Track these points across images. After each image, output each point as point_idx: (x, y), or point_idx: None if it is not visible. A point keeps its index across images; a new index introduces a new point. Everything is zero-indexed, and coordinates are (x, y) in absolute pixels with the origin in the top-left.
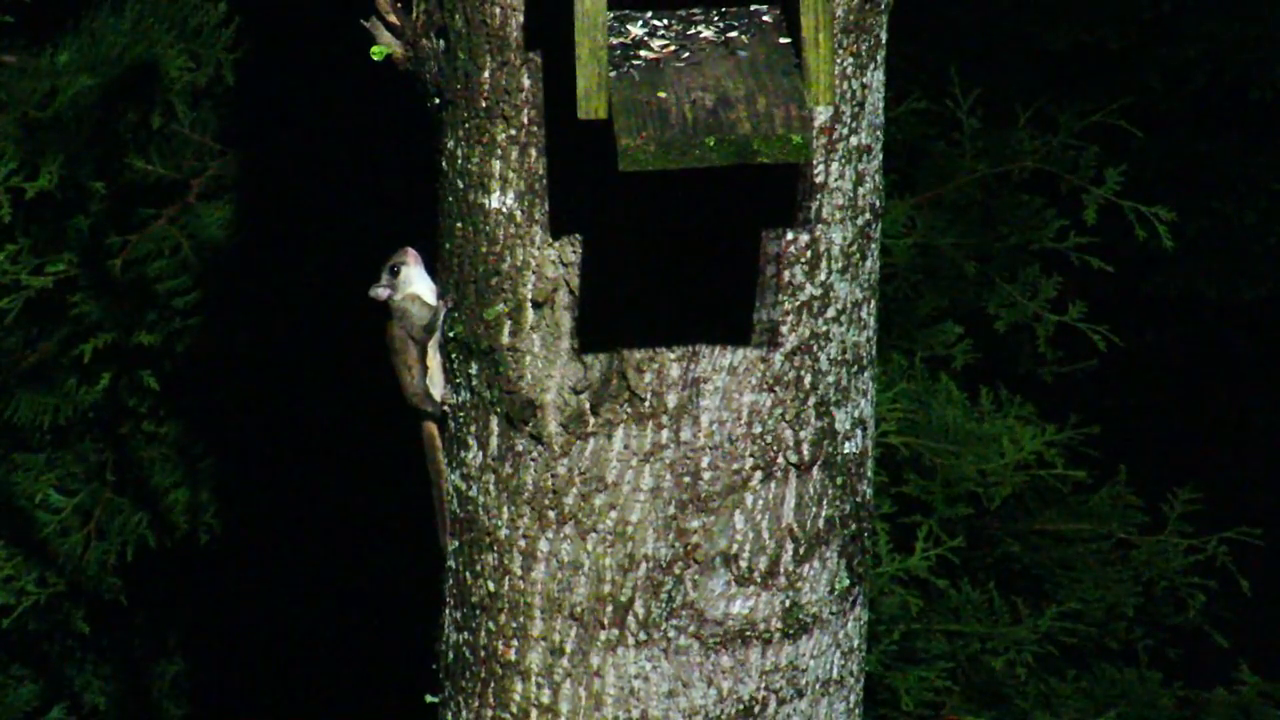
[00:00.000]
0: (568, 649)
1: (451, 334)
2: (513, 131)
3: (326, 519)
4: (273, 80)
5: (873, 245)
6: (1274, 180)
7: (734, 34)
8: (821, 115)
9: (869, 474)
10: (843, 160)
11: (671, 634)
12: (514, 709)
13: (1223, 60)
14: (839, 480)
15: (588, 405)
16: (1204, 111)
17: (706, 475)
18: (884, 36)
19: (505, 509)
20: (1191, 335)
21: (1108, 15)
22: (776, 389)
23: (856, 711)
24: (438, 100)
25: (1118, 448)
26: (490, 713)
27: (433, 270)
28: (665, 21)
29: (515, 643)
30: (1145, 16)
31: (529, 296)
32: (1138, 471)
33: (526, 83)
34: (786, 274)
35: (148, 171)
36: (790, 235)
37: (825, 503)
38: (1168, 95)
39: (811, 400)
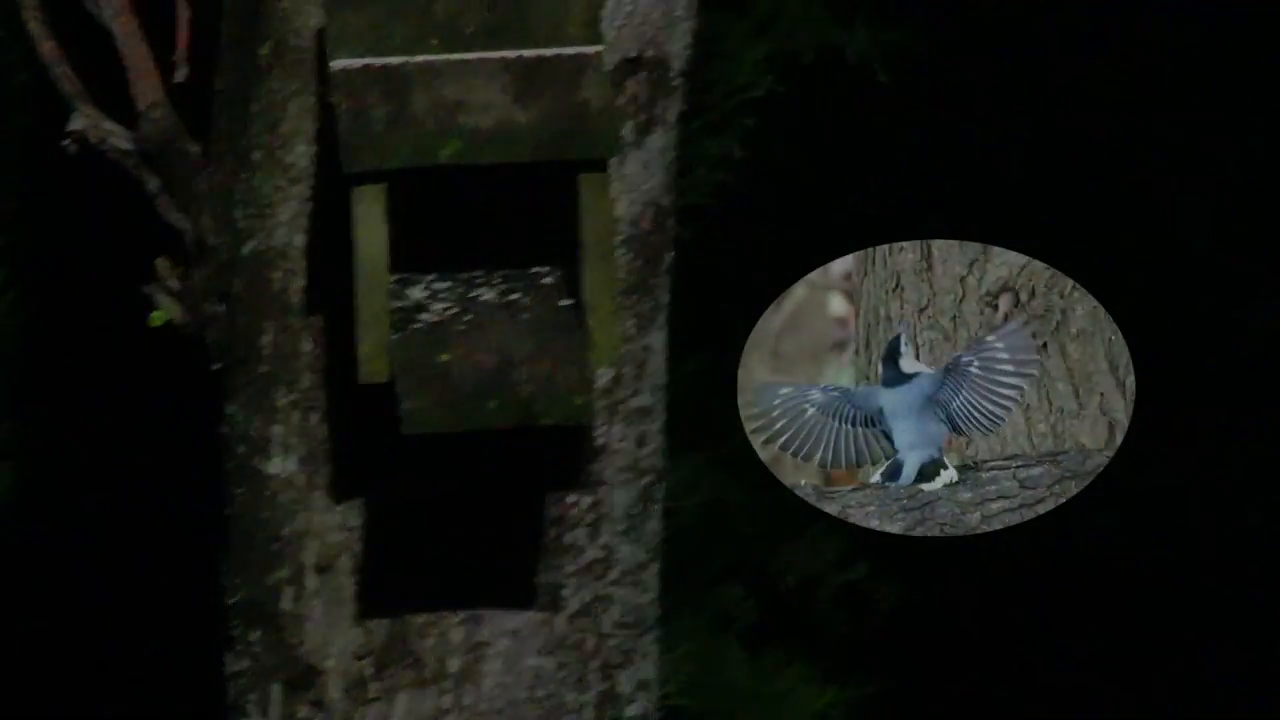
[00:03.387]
0: None
1: (233, 601)
2: (294, 396)
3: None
4: None
5: (655, 506)
6: None
7: (515, 295)
8: (603, 377)
9: None
10: (625, 422)
11: None
12: None
13: None
14: None
15: (370, 671)
16: None
17: None
18: (666, 298)
19: None
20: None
21: None
22: (559, 652)
23: None
24: (219, 365)
25: (912, 708)
26: None
27: None
28: (447, 284)
29: None
30: None
31: (311, 562)
32: None
33: (308, 347)
34: (569, 536)
35: None
36: (573, 497)
37: None
38: None
39: (594, 664)
